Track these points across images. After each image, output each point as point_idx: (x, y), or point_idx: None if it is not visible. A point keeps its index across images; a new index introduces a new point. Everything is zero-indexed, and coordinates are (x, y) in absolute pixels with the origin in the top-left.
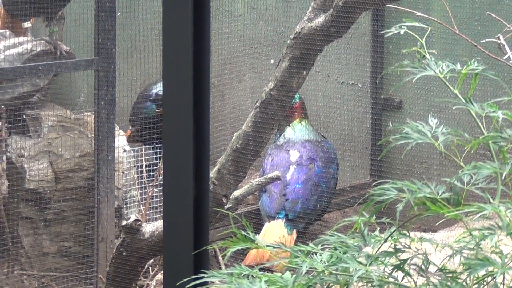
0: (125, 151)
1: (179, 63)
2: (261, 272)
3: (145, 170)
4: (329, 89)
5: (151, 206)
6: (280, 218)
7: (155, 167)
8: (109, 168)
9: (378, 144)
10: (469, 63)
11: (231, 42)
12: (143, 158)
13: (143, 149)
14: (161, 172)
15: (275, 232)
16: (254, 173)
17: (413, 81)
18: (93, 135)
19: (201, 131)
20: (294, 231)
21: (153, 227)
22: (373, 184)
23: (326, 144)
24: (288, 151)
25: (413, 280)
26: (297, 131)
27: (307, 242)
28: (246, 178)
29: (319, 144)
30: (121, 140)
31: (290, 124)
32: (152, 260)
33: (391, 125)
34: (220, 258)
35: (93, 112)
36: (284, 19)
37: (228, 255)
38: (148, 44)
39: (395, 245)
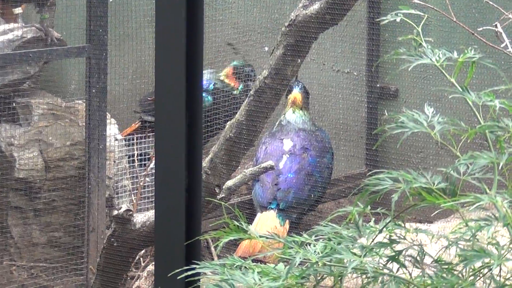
0: (116, 140)
1: (172, 51)
2: (254, 263)
3: (137, 159)
4: (324, 78)
5: (142, 196)
6: (272, 208)
7: (147, 156)
8: (100, 157)
9: (374, 134)
10: (466, 51)
11: (224, 29)
12: (135, 147)
13: (135, 137)
14: (153, 161)
15: (267, 222)
16: (248, 162)
17: (409, 70)
18: (84, 124)
19: (194, 120)
20: (287, 221)
21: (144, 217)
22: (368, 174)
23: (320, 134)
24: (282, 140)
25: (408, 272)
26: (292, 119)
27: (301, 233)
28: (239, 167)
29: (313, 133)
30: (112, 128)
31: (286, 112)
32: (143, 251)
33: (386, 114)
34: (212, 249)
35: (84, 100)
36: (278, 6)
37: (221, 246)
38: (140, 31)
39: (390, 236)
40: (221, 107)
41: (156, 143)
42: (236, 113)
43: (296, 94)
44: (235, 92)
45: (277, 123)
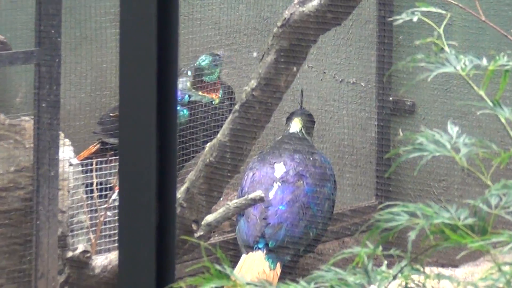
0: (71, 165)
1: (140, 56)
2: None
3: (96, 189)
4: (325, 89)
5: (103, 233)
6: (259, 248)
7: (108, 185)
8: (51, 186)
9: (386, 158)
10: (497, 57)
11: (204, 30)
12: (94, 174)
13: (94, 162)
14: (116, 190)
15: (254, 266)
16: (232, 193)
17: (429, 80)
18: (32, 145)
19: (167, 141)
20: (278, 264)
21: (105, 260)
22: (379, 207)
23: (320, 158)
24: (273, 164)
25: None
26: (288, 140)
27: (296, 279)
28: (221, 199)
29: (311, 157)
30: (66, 151)
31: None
32: None
33: (401, 134)
34: None
35: (33, 117)
36: (269, 2)
37: None
38: (101, 33)
39: (406, 283)
40: (199, 124)
41: (120, 169)
42: (218, 131)
43: (298, 120)
44: (215, 102)
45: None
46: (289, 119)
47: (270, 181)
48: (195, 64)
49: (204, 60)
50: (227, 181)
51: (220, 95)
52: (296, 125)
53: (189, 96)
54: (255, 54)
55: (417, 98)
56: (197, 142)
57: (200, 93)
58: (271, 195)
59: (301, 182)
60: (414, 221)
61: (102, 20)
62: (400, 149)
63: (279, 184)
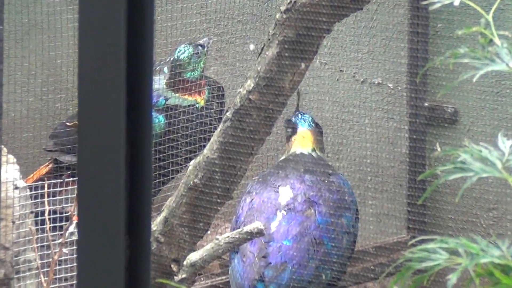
0: (16, 188)
1: (105, 49)
2: None
3: (49, 219)
4: (342, 92)
5: (57, 276)
6: None
7: (64, 215)
8: None
9: (419, 180)
10: None
11: (186, 16)
12: (46, 200)
13: (46, 185)
14: (75, 221)
15: None
16: (223, 224)
17: (474, 80)
18: None
19: (139, 157)
20: None
21: None
22: (410, 242)
23: (337, 180)
24: (277, 187)
25: None
26: (296, 157)
27: None
28: (209, 232)
29: (325, 179)
30: (10, 171)
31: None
32: None
33: (439, 149)
34: None
35: None
36: None
37: None
38: (54, 19)
39: None
40: (180, 135)
41: (80, 194)
42: (205, 145)
43: (304, 132)
44: (199, 105)
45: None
46: (292, 131)
47: (273, 209)
48: (172, 58)
49: (182, 52)
50: (217, 210)
51: (205, 97)
52: (305, 143)
53: (166, 99)
54: (252, 47)
55: (460, 104)
56: (177, 159)
57: (178, 95)
58: (273, 226)
59: (312, 210)
60: (455, 260)
61: (56, 2)
62: (438, 169)
63: (284, 212)
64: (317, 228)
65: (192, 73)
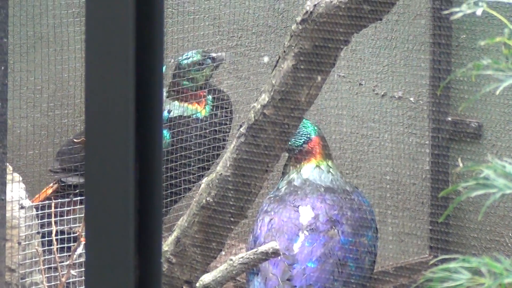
0: (22, 207)
1: (113, 63)
2: None
3: (57, 239)
4: (361, 106)
5: None
6: None
7: (72, 235)
8: None
9: (441, 197)
10: None
11: (198, 27)
12: (53, 220)
13: (53, 205)
14: (83, 242)
15: None
16: (237, 244)
17: (497, 93)
18: None
19: (148, 174)
20: None
21: None
22: (431, 261)
23: (357, 198)
24: (297, 207)
25: None
26: (312, 176)
27: None
28: (223, 253)
29: (346, 196)
30: (16, 190)
31: (301, 167)
32: None
33: (461, 165)
34: None
35: None
36: None
37: None
38: (61, 31)
39: None
40: (187, 149)
41: (88, 214)
42: (214, 158)
43: (313, 142)
44: (200, 114)
45: (284, 183)
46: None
47: (295, 230)
48: (175, 60)
49: (187, 58)
50: (231, 229)
51: (207, 106)
52: (317, 155)
53: (168, 112)
54: (266, 60)
55: (484, 118)
56: (189, 175)
57: (178, 102)
58: (296, 248)
59: (335, 230)
60: (478, 280)
61: (63, 14)
62: (460, 185)
63: (306, 233)
64: (341, 249)
65: (188, 83)
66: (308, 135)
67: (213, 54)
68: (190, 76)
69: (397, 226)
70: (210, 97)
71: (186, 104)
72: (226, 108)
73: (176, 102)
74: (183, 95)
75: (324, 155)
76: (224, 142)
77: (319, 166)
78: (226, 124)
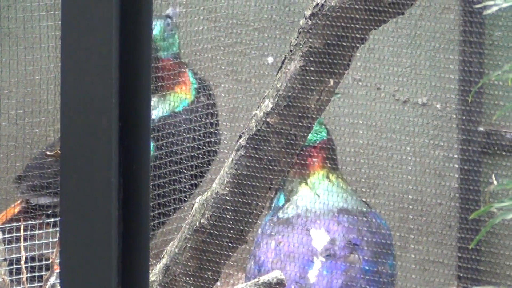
0: None
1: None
2: None
3: (26, 267)
4: (380, 114)
5: None
6: None
7: (44, 263)
8: None
9: (471, 219)
10: None
11: (192, 23)
12: (22, 245)
13: (22, 227)
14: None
15: None
16: (236, 273)
17: None
18: None
19: (133, 192)
20: None
21: None
22: None
23: (375, 219)
24: (308, 230)
25: None
26: (321, 192)
27: None
28: (219, 284)
29: (364, 217)
30: None
31: (305, 181)
32: None
33: (495, 182)
34: None
35: None
36: None
37: None
38: (31, 26)
39: None
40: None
41: (63, 239)
42: (204, 170)
43: (318, 151)
44: (187, 102)
45: (287, 201)
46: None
47: (309, 255)
48: None
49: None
50: (228, 255)
51: (192, 87)
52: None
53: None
54: (270, 60)
55: None
56: (179, 192)
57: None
58: (312, 276)
59: (356, 256)
60: None
61: (34, 7)
62: (494, 206)
63: (323, 259)
64: (363, 277)
65: (170, 50)
66: (320, 135)
67: (167, 12)
68: (167, 44)
69: (421, 253)
70: (190, 72)
71: (170, 94)
72: (208, 91)
73: (156, 97)
74: (163, 74)
75: (329, 163)
76: (218, 128)
77: (327, 179)
78: (213, 107)
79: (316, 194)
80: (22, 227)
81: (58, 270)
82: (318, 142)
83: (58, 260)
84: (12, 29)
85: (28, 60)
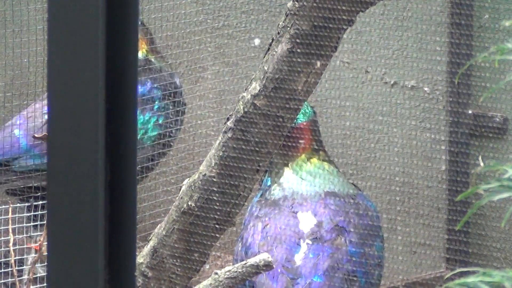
0: None
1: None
2: None
3: (14, 250)
4: (368, 97)
5: None
6: None
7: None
8: None
9: (459, 201)
10: None
11: (179, 6)
12: (10, 227)
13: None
14: (43, 255)
15: None
16: (224, 256)
17: None
18: None
19: (120, 175)
20: None
21: None
22: (447, 275)
23: (363, 201)
24: (295, 213)
25: None
26: (307, 175)
27: None
28: (207, 266)
29: (351, 200)
30: None
31: (290, 163)
32: None
33: (482, 165)
34: None
35: None
36: None
37: None
38: (19, 9)
39: None
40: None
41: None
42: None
43: (303, 131)
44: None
45: (274, 183)
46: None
47: (295, 238)
48: None
49: None
50: (216, 238)
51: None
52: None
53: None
54: (257, 42)
55: (509, 111)
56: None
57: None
58: (298, 259)
59: (342, 239)
60: None
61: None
62: (480, 187)
63: (310, 242)
64: (350, 260)
65: None
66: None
67: None
68: None
69: (409, 235)
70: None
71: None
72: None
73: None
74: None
75: (315, 144)
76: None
77: (312, 161)
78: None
79: (301, 178)
80: (10, 209)
81: (45, 253)
82: (304, 122)
83: (46, 243)
84: (12, 17)
85: (16, 43)
